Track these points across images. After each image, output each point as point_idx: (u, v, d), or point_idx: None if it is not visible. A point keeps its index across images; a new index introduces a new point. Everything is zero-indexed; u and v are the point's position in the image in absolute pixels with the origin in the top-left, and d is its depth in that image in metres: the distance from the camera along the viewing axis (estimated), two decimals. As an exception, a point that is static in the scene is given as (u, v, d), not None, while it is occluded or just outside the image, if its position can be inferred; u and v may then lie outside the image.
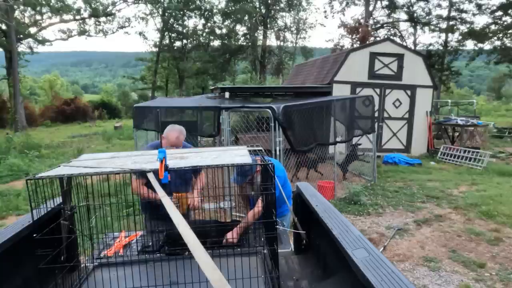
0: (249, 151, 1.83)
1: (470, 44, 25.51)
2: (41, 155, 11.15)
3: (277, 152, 5.35)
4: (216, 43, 30.98)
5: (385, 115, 11.06)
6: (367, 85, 10.74)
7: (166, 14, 28.70)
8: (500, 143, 13.93)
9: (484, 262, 4.10)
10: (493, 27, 22.37)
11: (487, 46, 23.16)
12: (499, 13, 21.78)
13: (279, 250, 1.74)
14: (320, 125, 6.68)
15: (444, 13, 25.10)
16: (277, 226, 1.78)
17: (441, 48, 25.15)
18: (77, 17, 25.64)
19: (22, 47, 24.22)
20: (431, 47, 25.56)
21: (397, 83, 10.92)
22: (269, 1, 28.87)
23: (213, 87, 14.16)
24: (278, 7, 30.02)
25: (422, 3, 25.57)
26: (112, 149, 13.36)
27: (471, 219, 5.50)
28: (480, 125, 11.92)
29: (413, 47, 23.74)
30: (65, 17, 25.06)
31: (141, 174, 2.77)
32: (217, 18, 30.50)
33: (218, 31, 30.33)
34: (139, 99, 35.48)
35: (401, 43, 16.75)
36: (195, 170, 2.87)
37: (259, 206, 2.42)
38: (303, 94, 10.49)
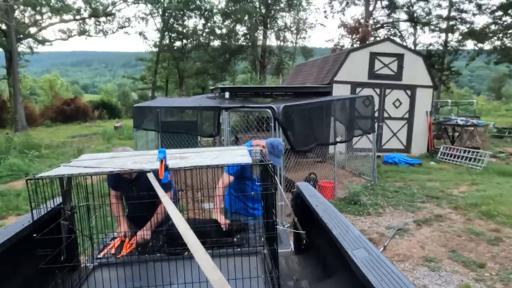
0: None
1: (470, 44, 25.56)
2: (41, 155, 11.14)
3: (277, 152, 5.35)
4: (216, 43, 31.00)
5: (385, 115, 11.05)
6: (367, 85, 10.74)
7: (166, 14, 28.70)
8: (500, 143, 13.92)
9: (484, 262, 4.10)
10: (493, 27, 22.34)
11: (487, 46, 23.15)
12: (499, 13, 21.75)
13: (279, 250, 1.74)
14: (320, 125, 6.67)
15: (444, 13, 25.11)
16: (277, 226, 1.78)
17: (441, 48, 25.14)
18: (77, 17, 25.65)
19: (22, 47, 24.20)
20: (431, 47, 25.56)
21: (397, 83, 10.92)
22: (269, 1, 28.83)
23: (213, 87, 14.15)
24: (278, 7, 29.97)
25: (422, 3, 25.57)
26: (112, 149, 13.33)
27: (471, 219, 5.50)
28: (480, 125, 11.90)
29: (413, 47, 23.72)
30: (65, 17, 25.09)
31: (114, 188, 2.65)
32: (217, 18, 30.52)
33: (218, 31, 30.32)
34: (139, 99, 35.44)
35: (401, 43, 16.73)
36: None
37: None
38: (303, 94, 10.47)
